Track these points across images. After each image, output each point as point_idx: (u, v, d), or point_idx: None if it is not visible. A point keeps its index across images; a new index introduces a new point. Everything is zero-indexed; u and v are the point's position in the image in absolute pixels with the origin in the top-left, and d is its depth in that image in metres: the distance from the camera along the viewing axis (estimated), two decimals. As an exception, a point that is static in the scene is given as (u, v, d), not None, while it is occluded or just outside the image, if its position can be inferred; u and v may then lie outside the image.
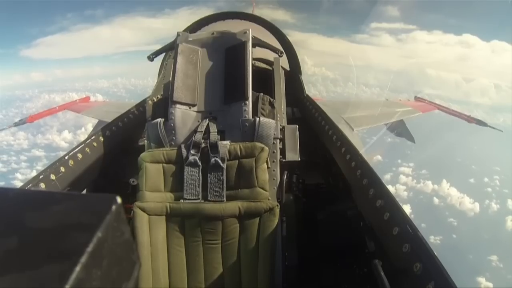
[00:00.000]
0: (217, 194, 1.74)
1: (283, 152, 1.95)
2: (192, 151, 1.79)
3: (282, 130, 1.98)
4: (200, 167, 1.77)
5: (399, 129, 6.79)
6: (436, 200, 29.03)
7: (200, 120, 1.92)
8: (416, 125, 7.52)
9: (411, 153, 31.46)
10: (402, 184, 30.48)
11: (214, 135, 1.83)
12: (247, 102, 1.90)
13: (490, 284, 20.94)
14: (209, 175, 1.76)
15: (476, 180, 32.84)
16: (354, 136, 4.41)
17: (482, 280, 21.15)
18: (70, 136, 38.40)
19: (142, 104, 2.91)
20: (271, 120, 1.88)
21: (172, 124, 1.90)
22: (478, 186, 31.97)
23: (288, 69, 3.53)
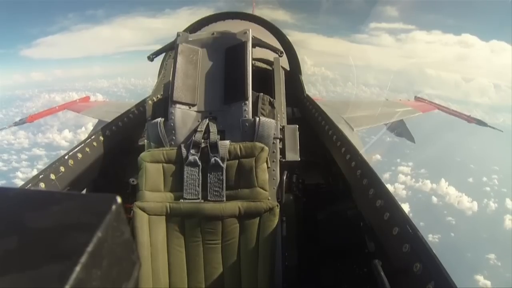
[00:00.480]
0: (217, 194, 1.74)
1: (283, 152, 1.95)
2: (192, 151, 1.79)
3: (282, 130, 1.98)
4: (200, 167, 1.77)
5: (399, 129, 6.80)
6: (434, 199, 29.15)
7: (200, 120, 1.92)
8: (416, 125, 7.53)
9: (410, 153, 31.58)
10: (401, 183, 30.58)
11: (214, 135, 1.82)
12: (247, 102, 1.90)
13: (488, 282, 21.05)
14: (209, 175, 1.76)
15: (475, 180, 32.96)
16: (354, 136, 4.41)
17: (480, 278, 21.29)
18: (71, 135, 38.54)
19: (142, 104, 2.91)
20: (271, 120, 1.88)
21: (172, 124, 1.90)
22: (477, 185, 32.09)
23: (288, 69, 3.53)
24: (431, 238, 22.90)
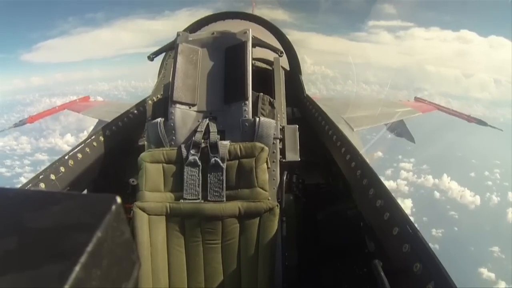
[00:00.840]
0: (217, 194, 1.74)
1: (283, 152, 1.95)
2: (192, 151, 1.79)
3: (282, 130, 1.98)
4: (200, 167, 1.77)
5: (399, 129, 6.79)
6: (437, 194, 29.19)
7: (200, 120, 1.92)
8: (416, 125, 7.52)
9: (411, 149, 31.55)
10: (403, 179, 30.59)
11: (214, 135, 1.82)
12: (247, 102, 1.90)
13: (492, 275, 21.06)
14: (209, 175, 1.76)
15: (477, 174, 32.97)
16: (354, 136, 4.41)
17: (484, 270, 21.33)
18: (73, 139, 38.57)
19: (142, 104, 2.92)
20: (271, 120, 1.88)
21: (172, 124, 1.90)
22: (479, 179, 32.12)
23: (288, 69, 3.53)
24: (435, 233, 22.93)
